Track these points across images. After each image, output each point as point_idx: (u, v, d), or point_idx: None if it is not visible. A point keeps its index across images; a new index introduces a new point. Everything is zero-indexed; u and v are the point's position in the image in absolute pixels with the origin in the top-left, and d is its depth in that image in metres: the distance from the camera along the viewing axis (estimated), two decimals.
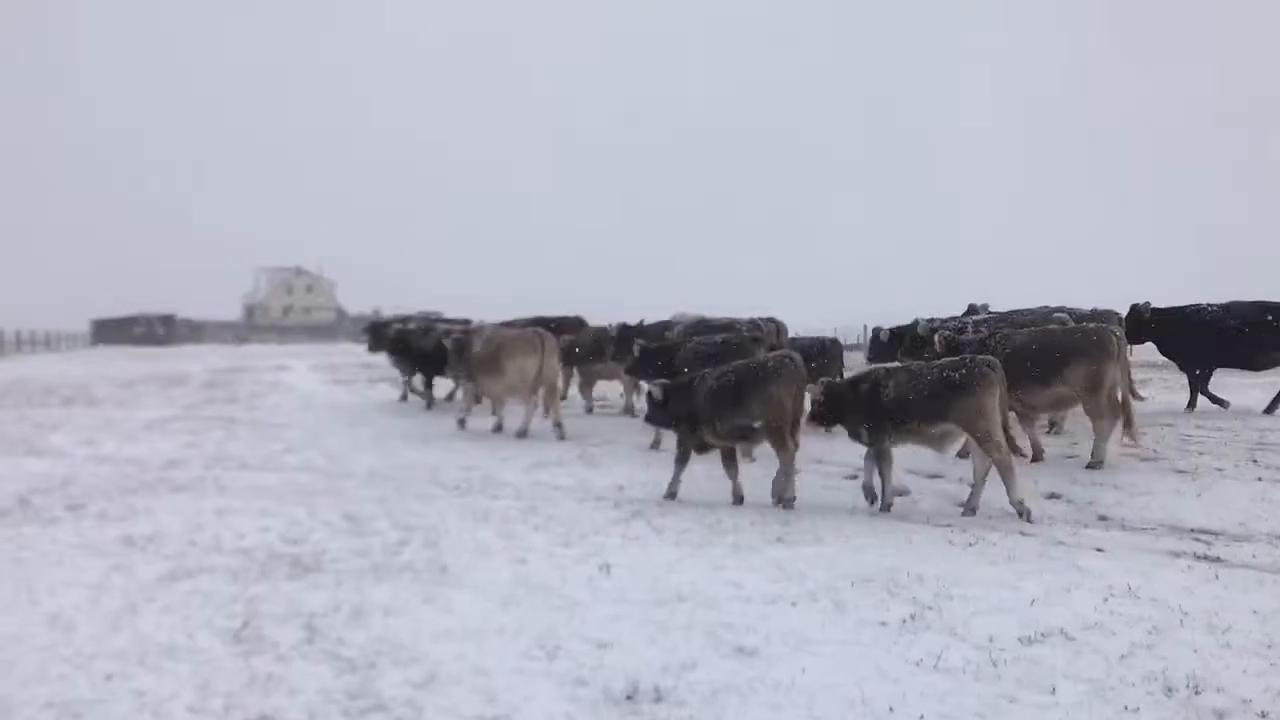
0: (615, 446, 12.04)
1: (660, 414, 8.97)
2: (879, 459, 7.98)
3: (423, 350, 16.22)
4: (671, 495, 8.72)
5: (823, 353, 12.88)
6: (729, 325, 13.67)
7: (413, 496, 9.07)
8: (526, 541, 7.20)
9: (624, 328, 15.04)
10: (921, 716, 4.04)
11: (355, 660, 4.73)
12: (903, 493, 8.26)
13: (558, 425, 12.94)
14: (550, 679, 4.49)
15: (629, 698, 4.28)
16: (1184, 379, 14.24)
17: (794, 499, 8.26)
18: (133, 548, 7.11)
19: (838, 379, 8.94)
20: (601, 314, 17.67)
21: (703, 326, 13.92)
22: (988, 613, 5.27)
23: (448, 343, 13.97)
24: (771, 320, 14.23)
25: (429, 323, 18.51)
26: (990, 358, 7.99)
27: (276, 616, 5.39)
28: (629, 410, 15.22)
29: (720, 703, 4.22)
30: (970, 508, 7.89)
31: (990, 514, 7.80)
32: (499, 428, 13.46)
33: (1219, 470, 9.11)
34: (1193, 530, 7.19)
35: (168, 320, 72.29)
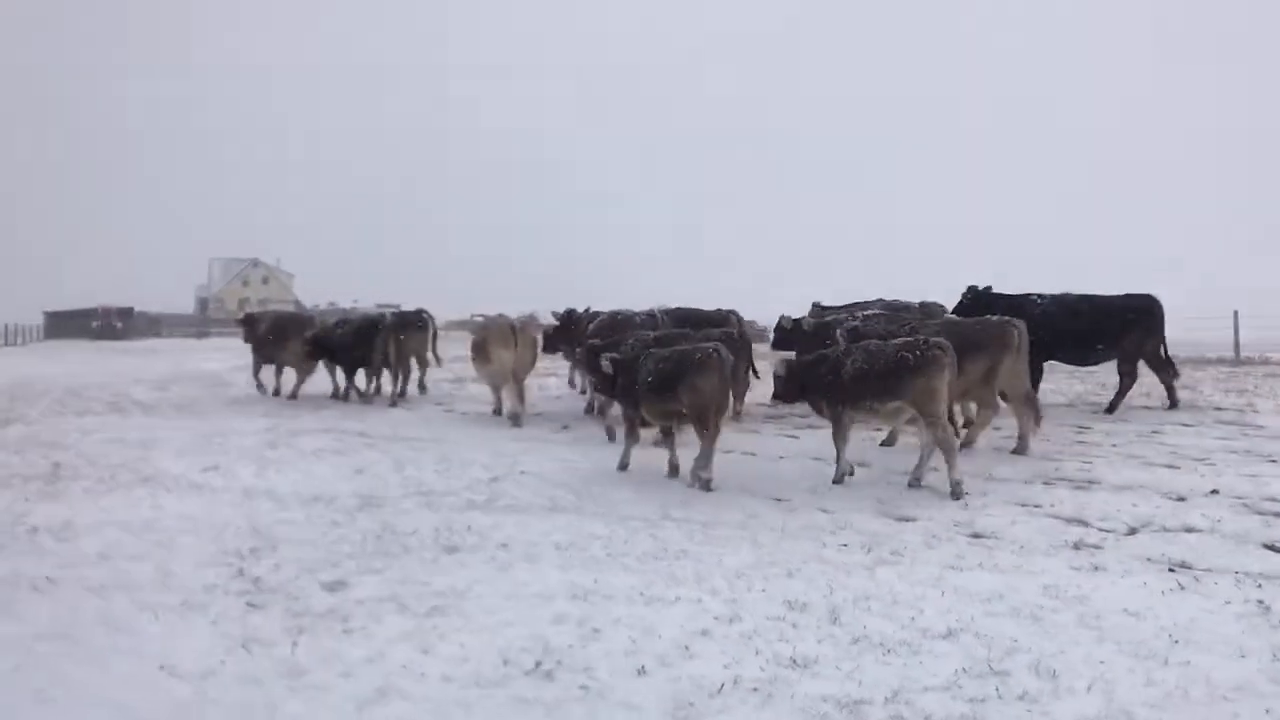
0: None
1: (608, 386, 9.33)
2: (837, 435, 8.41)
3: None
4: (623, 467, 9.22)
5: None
6: (646, 320, 13.60)
7: (788, 559, 6.28)
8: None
9: (569, 314, 14.90)
10: None
11: None
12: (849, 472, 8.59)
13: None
14: None
15: None
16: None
17: (709, 479, 8.33)
18: (550, 682, 4.25)
19: (798, 359, 9.18)
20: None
21: (620, 321, 13.55)
22: None
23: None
24: (731, 311, 14.55)
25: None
26: (943, 340, 8.22)
27: None
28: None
29: None
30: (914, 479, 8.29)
31: None
32: (498, 411, 13.70)
33: None
34: None
35: (126, 313, 66.98)
